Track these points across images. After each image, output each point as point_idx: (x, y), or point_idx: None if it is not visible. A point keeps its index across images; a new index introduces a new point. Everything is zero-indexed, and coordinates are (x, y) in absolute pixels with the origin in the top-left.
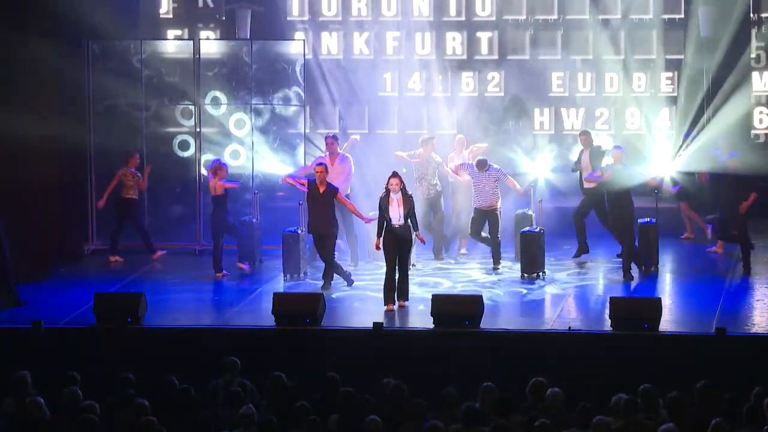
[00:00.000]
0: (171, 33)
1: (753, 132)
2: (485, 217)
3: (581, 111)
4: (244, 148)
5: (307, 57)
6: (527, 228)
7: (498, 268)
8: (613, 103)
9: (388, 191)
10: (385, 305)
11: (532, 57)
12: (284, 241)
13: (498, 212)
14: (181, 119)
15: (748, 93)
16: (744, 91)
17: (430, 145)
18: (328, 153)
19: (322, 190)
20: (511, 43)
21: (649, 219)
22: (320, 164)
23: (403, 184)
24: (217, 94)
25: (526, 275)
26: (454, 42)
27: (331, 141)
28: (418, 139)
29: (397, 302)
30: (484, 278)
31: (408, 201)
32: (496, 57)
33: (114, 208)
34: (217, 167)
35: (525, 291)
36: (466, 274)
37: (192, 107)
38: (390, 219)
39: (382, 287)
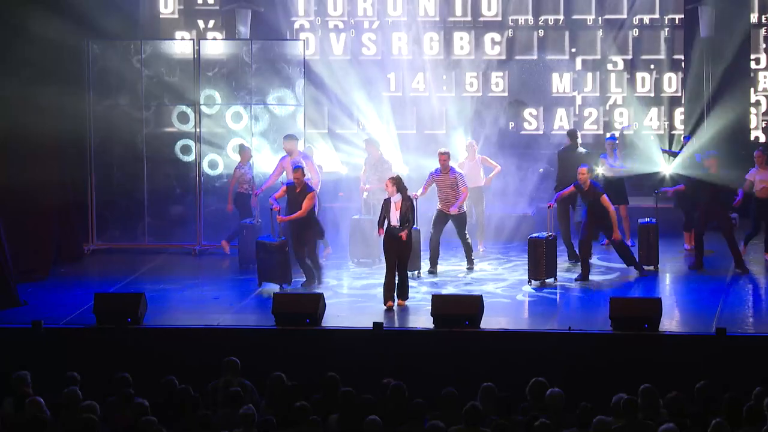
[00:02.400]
0: (172, 33)
1: (753, 134)
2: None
3: (582, 111)
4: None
5: (312, 57)
6: (535, 234)
7: (472, 268)
8: (614, 104)
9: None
10: (384, 304)
11: (539, 57)
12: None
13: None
14: (179, 123)
15: (748, 95)
16: (744, 93)
17: (373, 147)
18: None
19: (298, 190)
20: (518, 43)
21: (649, 219)
22: (297, 167)
23: (398, 186)
24: (216, 94)
25: (533, 281)
26: (461, 42)
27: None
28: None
29: (396, 300)
30: (484, 279)
31: (405, 203)
32: (503, 57)
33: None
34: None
35: (525, 291)
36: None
37: (191, 107)
38: (390, 219)
39: (382, 287)
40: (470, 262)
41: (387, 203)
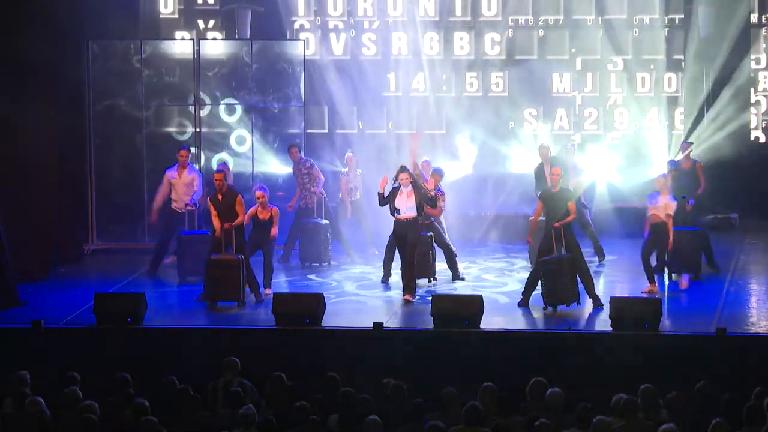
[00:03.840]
0: (172, 33)
1: (753, 134)
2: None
3: (582, 111)
4: (231, 156)
5: (312, 57)
6: (551, 255)
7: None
8: (614, 104)
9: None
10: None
11: (539, 57)
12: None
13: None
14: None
15: (748, 95)
16: (744, 93)
17: (294, 150)
18: (177, 164)
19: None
20: (518, 43)
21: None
22: (219, 171)
23: (413, 178)
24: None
25: (549, 308)
26: (461, 42)
27: (185, 153)
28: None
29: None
30: (486, 279)
31: (419, 193)
32: (503, 57)
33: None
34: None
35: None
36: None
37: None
38: (398, 209)
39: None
40: (455, 270)
41: (395, 191)
